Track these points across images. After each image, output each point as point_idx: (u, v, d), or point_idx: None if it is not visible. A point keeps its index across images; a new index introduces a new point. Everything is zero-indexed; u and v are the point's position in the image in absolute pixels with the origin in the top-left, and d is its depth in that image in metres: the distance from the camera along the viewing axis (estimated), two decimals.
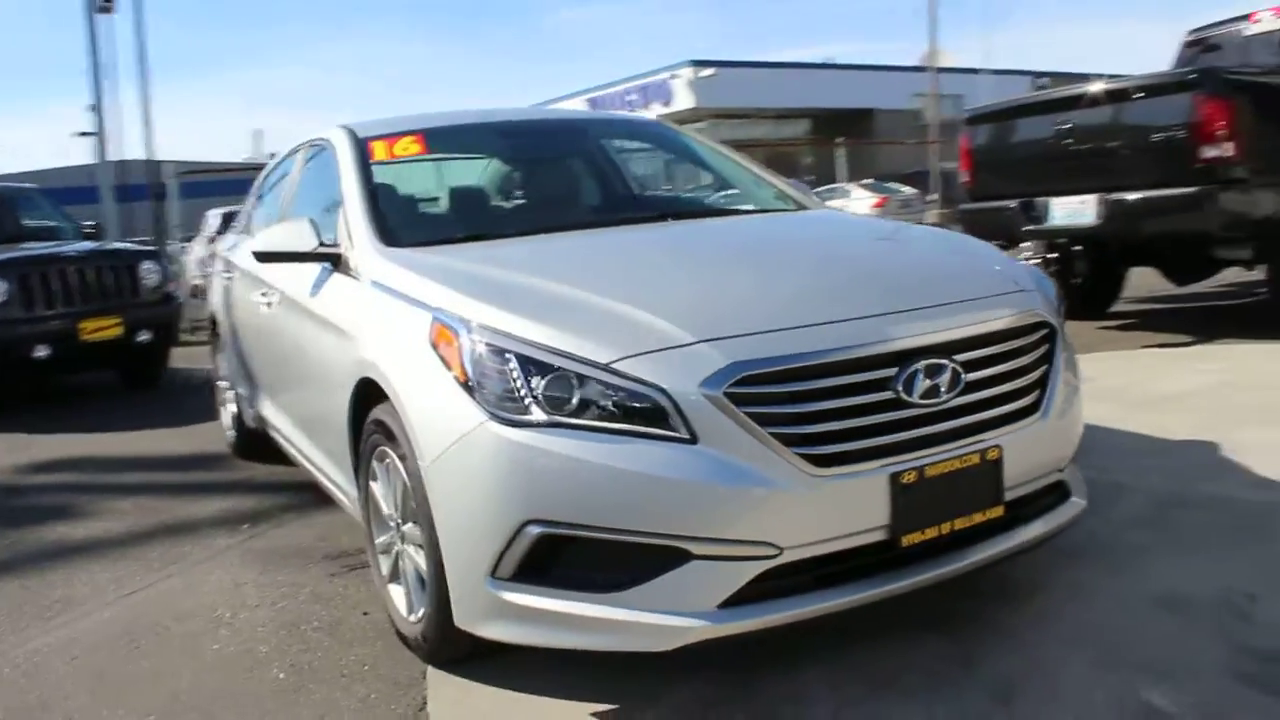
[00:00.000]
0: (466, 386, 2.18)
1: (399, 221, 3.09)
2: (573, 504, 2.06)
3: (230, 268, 4.64)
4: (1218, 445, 3.81)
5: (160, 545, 3.73)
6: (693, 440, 2.03)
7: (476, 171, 3.68)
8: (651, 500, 2.02)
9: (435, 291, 2.44)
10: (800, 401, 2.09)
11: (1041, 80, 37.12)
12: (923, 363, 2.20)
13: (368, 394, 2.65)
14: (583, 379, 2.09)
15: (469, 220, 3.34)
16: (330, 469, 3.19)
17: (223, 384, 5.13)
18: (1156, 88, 5.82)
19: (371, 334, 2.62)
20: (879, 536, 2.15)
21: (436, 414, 2.24)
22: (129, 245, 8.20)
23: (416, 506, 2.36)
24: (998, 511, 2.30)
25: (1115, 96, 6.02)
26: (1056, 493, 2.53)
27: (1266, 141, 5.54)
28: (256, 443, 4.78)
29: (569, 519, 2.07)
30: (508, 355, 2.16)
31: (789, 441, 2.05)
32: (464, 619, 2.25)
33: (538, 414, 2.09)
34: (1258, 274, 7.16)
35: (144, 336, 6.87)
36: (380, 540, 2.75)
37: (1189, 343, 6.06)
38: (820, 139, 29.36)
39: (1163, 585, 2.67)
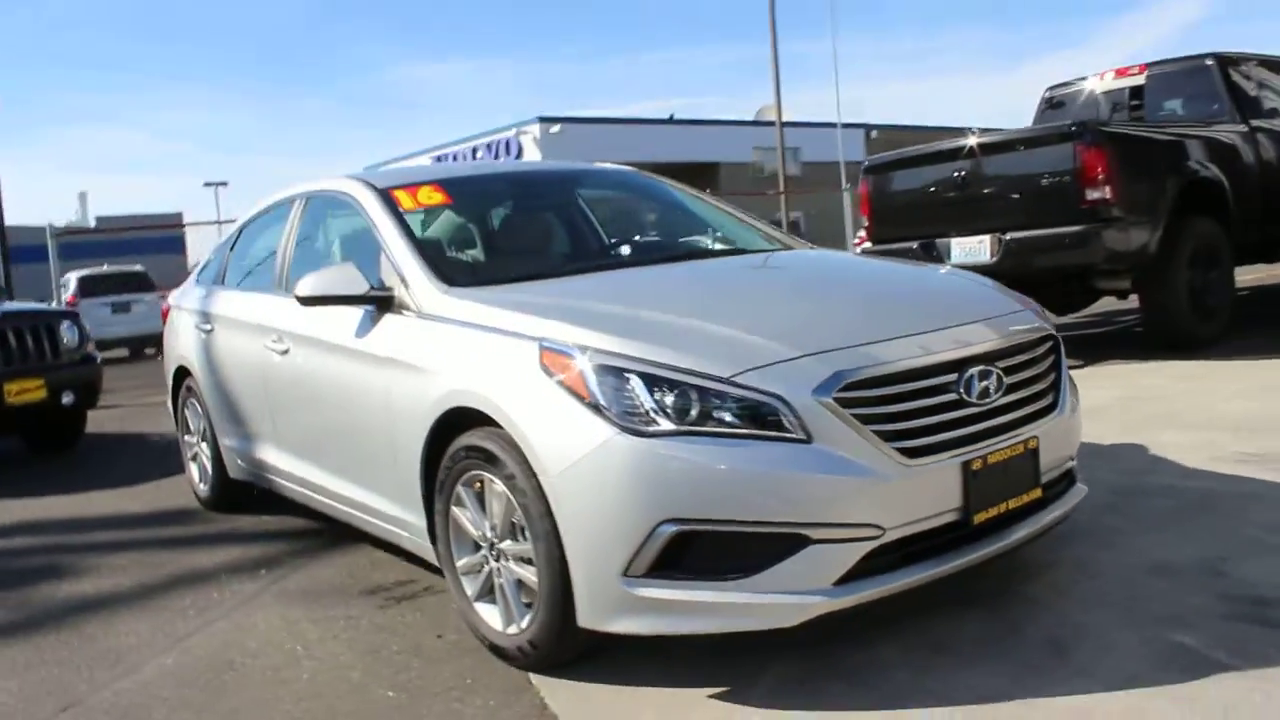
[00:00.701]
0: (591, 405, 2.42)
1: (448, 264, 3.29)
2: (703, 502, 2.33)
3: (208, 319, 4.67)
4: (1145, 446, 4.39)
5: (185, 595, 3.73)
6: (808, 440, 2.34)
7: (474, 219, 3.89)
8: (775, 494, 2.32)
9: (532, 323, 2.68)
10: (890, 403, 2.44)
11: (874, 133, 39.92)
12: (975, 369, 2.59)
13: (450, 424, 2.84)
14: (703, 392, 2.37)
15: (513, 262, 3.57)
16: (382, 505, 3.32)
17: (190, 438, 5.09)
18: (1042, 139, 6.58)
19: (462, 366, 2.81)
20: (954, 517, 2.50)
21: (560, 431, 2.47)
22: (48, 306, 7.90)
23: (530, 521, 2.56)
24: (1037, 493, 2.71)
25: (1006, 147, 6.77)
26: (1068, 479, 2.96)
27: (1136, 185, 6.35)
28: (237, 495, 4.80)
29: (700, 515, 2.33)
30: (627, 375, 2.42)
31: (885, 437, 2.39)
32: (592, 618, 2.47)
33: (665, 424, 2.36)
34: (1121, 303, 8.07)
35: (67, 398, 6.66)
36: (463, 562, 2.92)
37: (1079, 365, 6.78)
38: None
39: (1147, 557, 3.13)
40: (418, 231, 3.52)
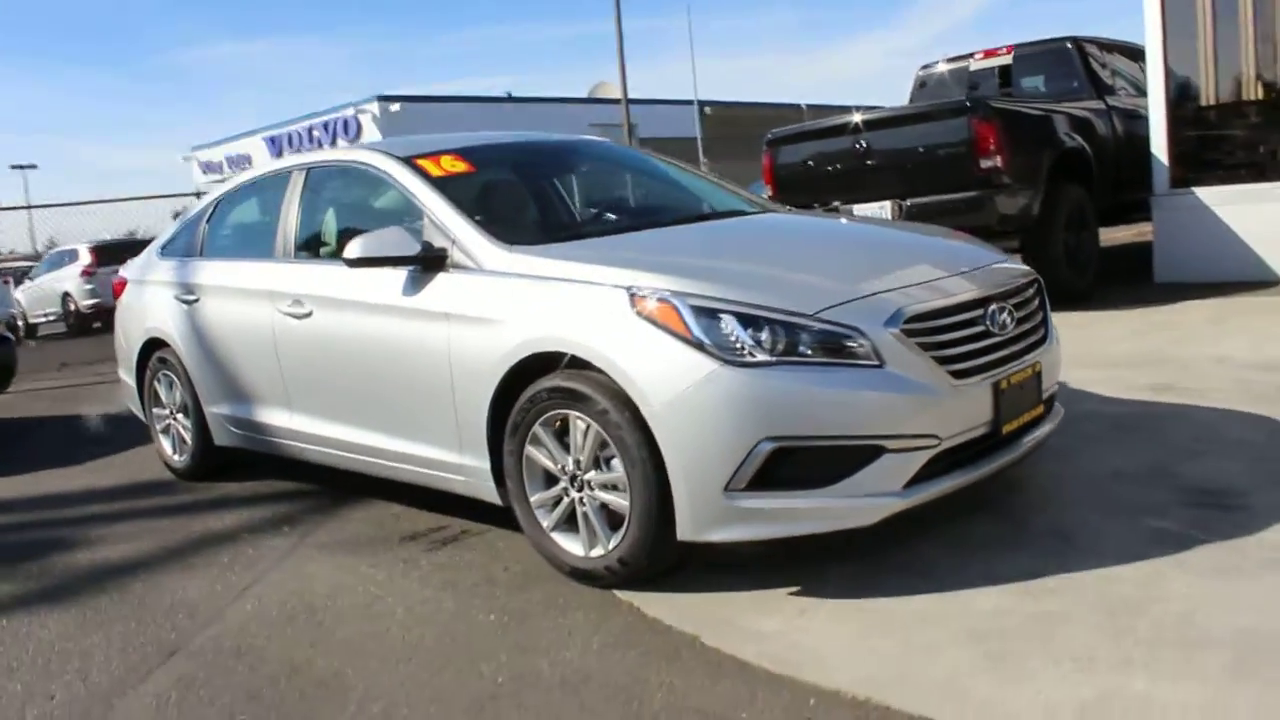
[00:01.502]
0: (693, 342, 2.74)
1: (499, 225, 3.51)
2: (796, 422, 2.69)
3: (190, 290, 4.67)
4: (1065, 381, 5.03)
5: (217, 553, 3.81)
6: (880, 365, 2.74)
7: (500, 184, 4.09)
8: (857, 411, 2.71)
9: (614, 273, 2.96)
10: (938, 334, 2.87)
11: (707, 108, 41.11)
12: (994, 305, 3.05)
13: (523, 370, 3.09)
14: (790, 327, 2.73)
15: (555, 223, 3.81)
16: (433, 453, 3.51)
17: (161, 411, 5.06)
18: (939, 113, 7.22)
19: (542, 315, 3.06)
20: (986, 429, 2.97)
21: (661, 367, 2.77)
22: None
23: (625, 450, 2.85)
24: (1040, 409, 3.22)
25: (905, 120, 7.39)
26: (1052, 400, 3.48)
27: (1021, 155, 7.08)
28: (218, 463, 4.83)
29: (794, 433, 2.70)
30: (721, 315, 2.75)
31: (940, 362, 2.82)
32: (693, 530, 2.79)
33: (761, 356, 2.71)
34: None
35: None
36: (536, 497, 3.18)
37: None
38: None
39: (1104, 466, 3.70)
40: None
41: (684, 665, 2.54)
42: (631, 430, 2.83)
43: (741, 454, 2.70)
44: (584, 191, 4.35)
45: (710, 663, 2.54)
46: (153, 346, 5.01)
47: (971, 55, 9.27)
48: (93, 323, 17.49)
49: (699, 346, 2.74)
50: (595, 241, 3.41)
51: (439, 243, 3.44)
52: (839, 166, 7.77)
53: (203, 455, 4.84)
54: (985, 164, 6.92)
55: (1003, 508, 3.38)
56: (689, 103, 39.01)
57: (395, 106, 33.55)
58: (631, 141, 37.67)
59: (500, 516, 3.64)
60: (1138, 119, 8.50)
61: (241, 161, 34.83)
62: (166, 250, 5.13)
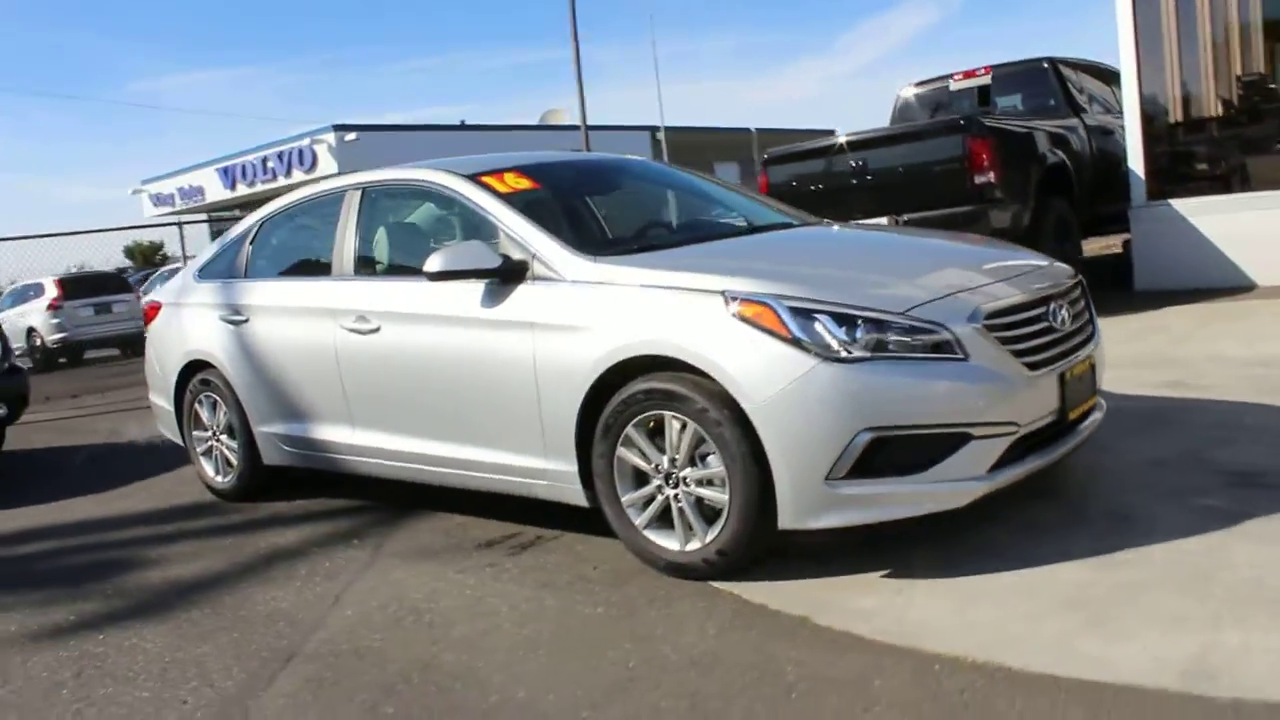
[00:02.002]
0: (791, 341, 2.92)
1: (576, 238, 3.67)
2: (892, 413, 2.88)
3: (238, 310, 4.75)
4: None
5: (294, 566, 3.89)
6: (966, 358, 2.94)
7: (565, 200, 4.27)
8: (947, 401, 2.91)
9: (705, 280, 3.14)
10: (1013, 329, 3.08)
11: (659, 135, 41.79)
12: (1054, 303, 3.28)
13: (614, 374, 3.25)
14: (882, 325, 2.93)
15: (627, 236, 3.99)
16: (513, 460, 3.63)
17: (202, 433, 5.11)
18: (934, 131, 7.54)
19: (636, 321, 3.21)
20: (1054, 417, 3.18)
21: (762, 365, 2.94)
22: None
23: (724, 446, 3.02)
24: (1094, 399, 3.44)
25: (900, 139, 7.69)
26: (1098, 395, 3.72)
27: (1012, 170, 7.41)
28: (266, 482, 4.90)
29: (890, 424, 2.89)
30: (816, 315, 2.94)
31: (1016, 355, 3.04)
32: (795, 519, 2.96)
33: (857, 353, 2.90)
34: None
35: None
36: (628, 496, 3.32)
37: None
38: None
39: (1141, 455, 3.95)
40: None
41: (804, 642, 2.70)
42: (732, 426, 3.00)
43: (842, 444, 2.88)
44: (639, 206, 4.52)
45: (828, 639, 2.71)
46: (194, 368, 5.07)
47: (950, 76, 9.64)
48: (59, 358, 17.22)
49: (798, 345, 2.92)
50: (672, 253, 3.59)
51: (518, 255, 3.59)
52: (835, 184, 8.04)
53: (251, 475, 4.90)
54: (979, 180, 7.23)
55: (1058, 495, 3.59)
56: (643, 128, 39.66)
57: (351, 136, 33.59)
58: None
59: (571, 520, 3.80)
60: (1109, 135, 8.93)
61: (194, 193, 34.46)
62: (205, 273, 5.20)
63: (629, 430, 3.26)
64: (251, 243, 4.98)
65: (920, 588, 2.95)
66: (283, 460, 4.74)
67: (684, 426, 3.14)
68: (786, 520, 2.99)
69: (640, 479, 3.32)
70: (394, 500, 4.57)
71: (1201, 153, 8.41)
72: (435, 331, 3.83)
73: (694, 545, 3.19)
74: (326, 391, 4.34)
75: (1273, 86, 8.08)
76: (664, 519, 3.28)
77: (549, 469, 3.55)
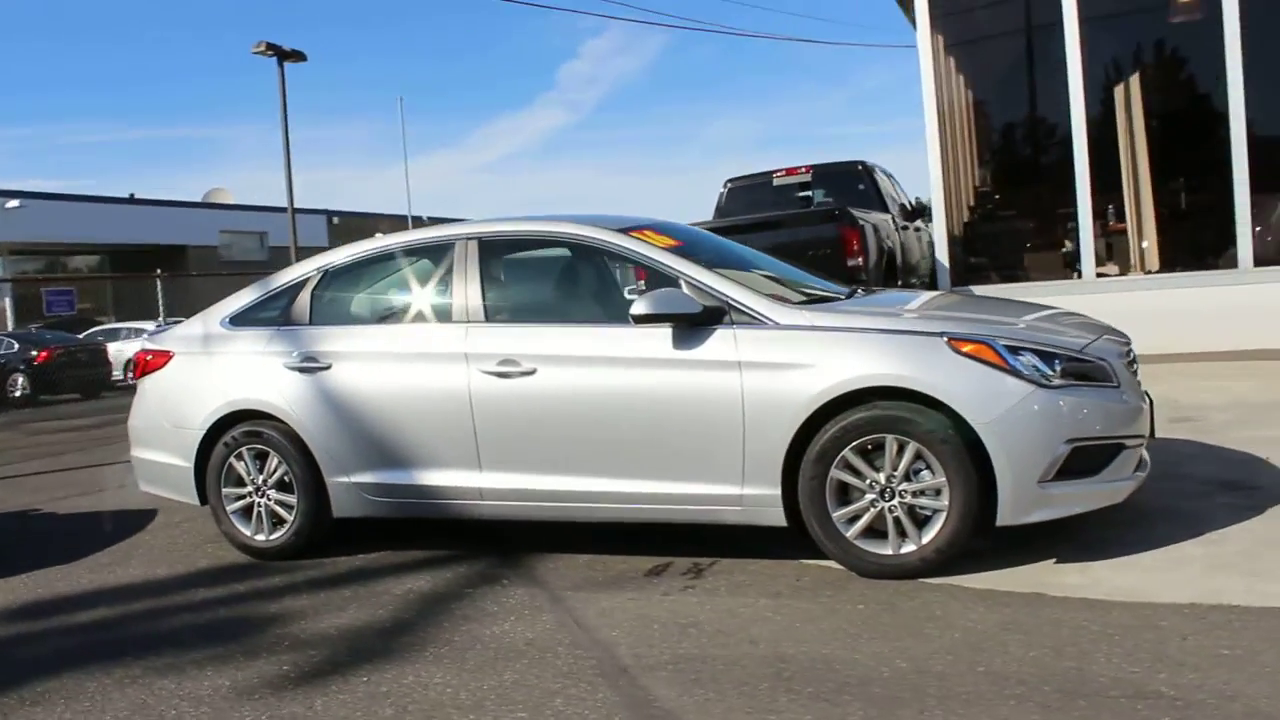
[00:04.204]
0: (1009, 371, 3.63)
1: (765, 289, 4.17)
2: (1084, 427, 3.67)
3: (313, 357, 4.61)
4: None
5: (446, 608, 3.90)
6: (1119, 386, 3.81)
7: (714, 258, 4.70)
8: (1113, 418, 3.74)
9: (922, 323, 3.80)
10: (1130, 366, 4.01)
11: (335, 220, 41.89)
12: (1132, 354, 4.26)
13: (831, 405, 3.77)
14: (1069, 359, 3.73)
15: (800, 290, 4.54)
16: (704, 490, 3.97)
17: (241, 489, 4.81)
18: (813, 218, 8.67)
19: (856, 357, 3.76)
20: (1146, 439, 4.13)
21: (985, 392, 3.62)
22: None
23: (945, 462, 3.63)
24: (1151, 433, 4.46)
25: (786, 223, 8.74)
26: None
27: (871, 253, 8.70)
28: (322, 538, 4.73)
29: (1082, 435, 3.66)
30: (1022, 351, 3.68)
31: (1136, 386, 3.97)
32: (1013, 516, 3.63)
33: (1057, 381, 3.67)
34: None
35: None
36: (839, 513, 3.82)
37: None
38: (141, 273, 28.30)
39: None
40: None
41: (1062, 607, 3.34)
42: (955, 443, 3.63)
43: (1053, 453, 3.62)
44: (748, 266, 5.01)
45: (1075, 603, 3.37)
46: (235, 420, 4.79)
47: (773, 172, 10.98)
48: None
49: (1015, 374, 3.64)
50: (851, 303, 4.21)
51: (709, 303, 4.00)
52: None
53: (311, 530, 4.71)
54: (851, 262, 8.43)
55: (1126, 511, 4.40)
56: (320, 211, 39.51)
57: (14, 202, 30.45)
58: (256, 252, 37.40)
59: (716, 546, 4.24)
60: (906, 230, 10.64)
61: None
62: (241, 320, 4.95)
63: (846, 453, 3.78)
64: (314, 290, 4.85)
65: (1102, 566, 3.72)
66: (364, 511, 4.63)
67: (902, 447, 3.72)
68: (1005, 518, 3.65)
69: (844, 496, 3.83)
70: (475, 547, 4.63)
71: (993, 249, 10.30)
72: (611, 373, 4.10)
73: (909, 548, 3.75)
74: (450, 435, 4.37)
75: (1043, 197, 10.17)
76: (868, 530, 3.81)
77: (746, 495, 3.94)
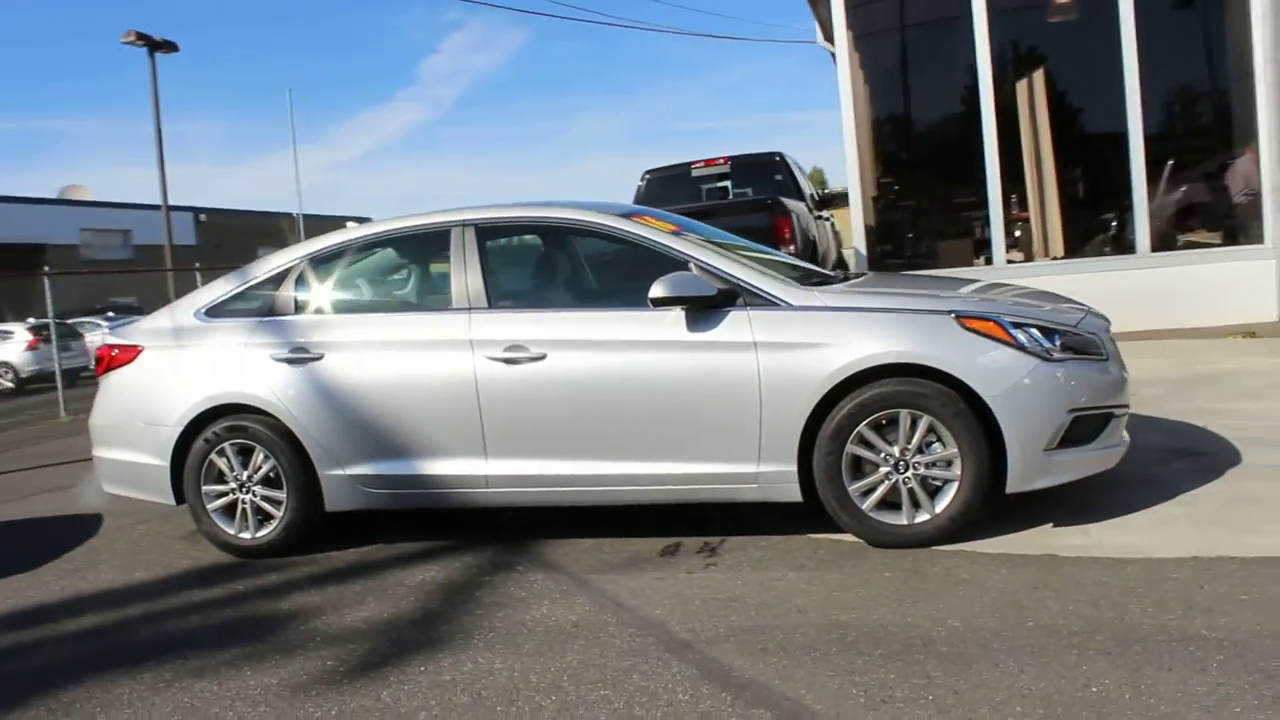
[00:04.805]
0: (1016, 347, 3.84)
1: (774, 270, 4.26)
2: (1082, 397, 3.91)
3: (303, 348, 4.48)
4: None
5: (497, 593, 3.88)
6: (1107, 359, 4.08)
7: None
8: (1105, 389, 4.00)
9: (931, 302, 3.96)
10: (1114, 341, 4.29)
11: (203, 217, 40.27)
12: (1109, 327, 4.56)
13: (845, 383, 3.91)
14: (1066, 334, 3.96)
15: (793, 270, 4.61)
16: (720, 469, 4.05)
17: (222, 486, 4.62)
18: (747, 207, 8.83)
19: (872, 336, 3.90)
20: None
21: (995, 367, 3.81)
22: None
23: (958, 434, 3.82)
24: None
25: (724, 211, 8.87)
26: None
27: (799, 242, 8.94)
28: (311, 533, 4.61)
29: (1082, 405, 3.91)
30: (1028, 328, 3.90)
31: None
32: (1021, 483, 3.84)
33: (1057, 355, 3.90)
34: None
35: None
36: (855, 486, 3.96)
37: None
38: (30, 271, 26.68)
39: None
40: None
41: (1075, 568, 3.56)
42: (967, 415, 3.83)
43: (1057, 423, 3.85)
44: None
45: (1088, 562, 3.61)
46: (216, 414, 4.60)
47: (692, 163, 11.12)
48: None
49: (1022, 349, 3.85)
50: (855, 283, 4.35)
51: (721, 286, 4.08)
52: None
53: (302, 526, 4.57)
54: (786, 248, 8.63)
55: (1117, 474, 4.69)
56: (186, 209, 37.89)
57: None
58: (119, 250, 35.65)
59: (719, 526, 4.37)
60: (818, 219, 10.95)
61: None
62: (217, 313, 4.75)
63: (862, 429, 3.92)
64: (298, 280, 4.69)
65: (1102, 528, 3.97)
66: (359, 504, 4.53)
67: (915, 421, 3.89)
68: (1014, 485, 3.86)
69: (856, 471, 3.98)
70: (469, 538, 4.60)
71: (907, 238, 10.72)
72: (626, 356, 4.13)
73: (923, 517, 3.93)
74: (454, 423, 4.32)
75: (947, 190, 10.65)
76: (882, 502, 3.97)
77: (762, 472, 4.04)
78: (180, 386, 4.67)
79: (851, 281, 4.58)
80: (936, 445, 3.89)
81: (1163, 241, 9.32)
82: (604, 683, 2.98)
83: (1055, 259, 9.79)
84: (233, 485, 4.63)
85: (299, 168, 58.70)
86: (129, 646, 3.66)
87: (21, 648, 3.80)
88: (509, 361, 4.23)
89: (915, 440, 3.91)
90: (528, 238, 4.67)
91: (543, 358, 4.21)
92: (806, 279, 4.51)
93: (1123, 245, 9.50)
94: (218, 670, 3.33)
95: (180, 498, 4.73)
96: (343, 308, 4.68)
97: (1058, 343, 3.94)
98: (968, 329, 3.89)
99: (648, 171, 11.39)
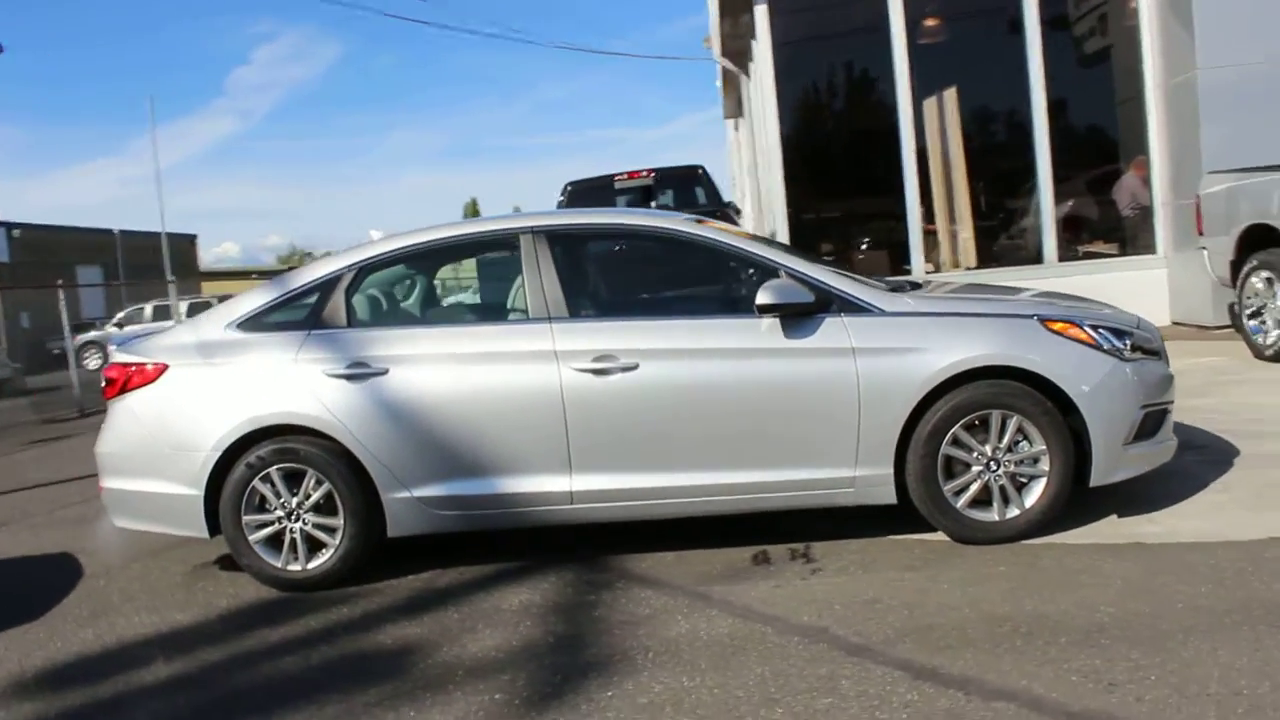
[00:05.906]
0: (1096, 346, 4.07)
1: (857, 278, 4.33)
2: (1150, 394, 4.18)
3: (363, 364, 4.21)
4: None
5: (612, 614, 3.77)
6: (1160, 357, 4.38)
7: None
8: (1162, 387, 4.29)
9: (1014, 307, 4.15)
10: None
11: (16, 231, 37.21)
12: None
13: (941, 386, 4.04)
14: (1132, 335, 4.23)
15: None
16: (819, 475, 4.09)
17: (267, 516, 4.27)
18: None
19: (963, 341, 4.03)
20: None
21: (1080, 365, 4.03)
22: None
23: (1046, 432, 4.00)
24: None
25: None
26: None
27: None
28: (363, 562, 4.34)
29: (1150, 402, 4.18)
30: (1103, 330, 4.14)
31: None
32: (1104, 476, 4.07)
33: (1129, 355, 4.16)
34: None
35: None
36: (949, 485, 4.08)
37: None
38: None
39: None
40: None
41: (1173, 554, 3.79)
42: (1055, 413, 4.03)
43: (1133, 418, 4.11)
44: None
45: (1178, 548, 3.85)
46: (260, 437, 4.25)
47: (614, 176, 11.14)
48: None
49: (1100, 349, 4.09)
50: (922, 292, 4.46)
51: (815, 292, 4.13)
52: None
53: (359, 554, 4.28)
54: None
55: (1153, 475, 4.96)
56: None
57: None
58: None
59: (791, 534, 4.38)
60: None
61: None
62: (252, 326, 4.39)
63: (956, 430, 4.06)
64: (348, 289, 4.39)
65: (1161, 518, 4.25)
66: (427, 527, 4.29)
67: (1005, 420, 4.05)
68: (1098, 478, 4.09)
69: (949, 471, 4.11)
70: (530, 557, 4.46)
71: (828, 248, 11.07)
72: (723, 365, 4.11)
73: (1014, 512, 4.09)
74: (537, 438, 4.17)
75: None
76: (974, 500, 4.11)
77: (859, 476, 4.11)
78: (216, 407, 4.28)
79: (926, 288, 4.73)
80: (1024, 443, 4.07)
81: (1066, 252, 10.05)
82: (815, 690, 2.95)
83: (969, 269, 10.37)
84: (278, 514, 4.28)
85: (100, 182, 54.51)
86: (242, 694, 3.33)
87: (109, 704, 3.38)
88: (598, 373, 4.12)
89: (1006, 439, 4.07)
90: (599, 244, 4.57)
91: (635, 368, 4.12)
92: (896, 287, 4.63)
93: (1030, 256, 10.16)
94: (372, 713, 3.08)
95: (214, 530, 4.34)
96: (404, 319, 4.44)
97: (1128, 343, 4.20)
98: (1052, 331, 4.10)
99: (569, 183, 11.35)
